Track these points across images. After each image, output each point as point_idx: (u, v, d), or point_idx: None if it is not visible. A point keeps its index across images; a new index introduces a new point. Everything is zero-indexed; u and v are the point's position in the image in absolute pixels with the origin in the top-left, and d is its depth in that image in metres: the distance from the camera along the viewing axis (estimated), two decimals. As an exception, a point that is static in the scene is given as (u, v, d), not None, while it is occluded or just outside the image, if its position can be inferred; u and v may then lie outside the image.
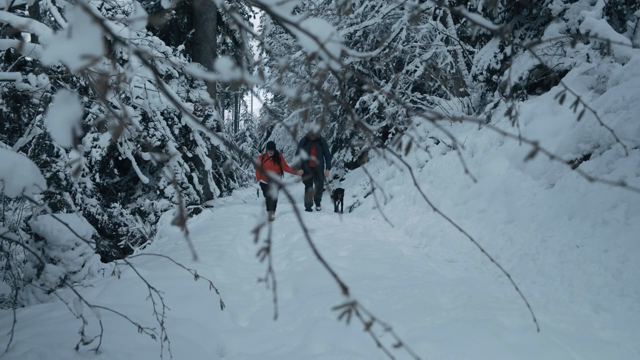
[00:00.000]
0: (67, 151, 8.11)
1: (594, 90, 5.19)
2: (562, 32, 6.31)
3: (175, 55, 9.36)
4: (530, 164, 4.89)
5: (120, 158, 9.25)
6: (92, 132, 9.64)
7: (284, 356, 2.45)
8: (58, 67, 5.58)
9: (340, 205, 9.34)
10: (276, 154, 8.70)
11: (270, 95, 32.93)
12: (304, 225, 0.67)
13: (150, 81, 6.54)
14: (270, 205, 8.28)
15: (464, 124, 7.85)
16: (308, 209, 9.48)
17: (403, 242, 5.54)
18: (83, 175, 8.87)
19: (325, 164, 9.30)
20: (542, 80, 6.63)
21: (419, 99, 9.85)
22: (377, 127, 11.75)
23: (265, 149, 8.99)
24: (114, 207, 9.56)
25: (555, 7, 6.37)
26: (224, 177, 16.50)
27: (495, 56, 7.52)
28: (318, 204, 9.73)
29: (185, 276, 2.26)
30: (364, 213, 8.63)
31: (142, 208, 10.01)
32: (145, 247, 8.94)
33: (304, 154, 0.74)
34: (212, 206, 10.90)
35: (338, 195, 9.20)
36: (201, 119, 10.70)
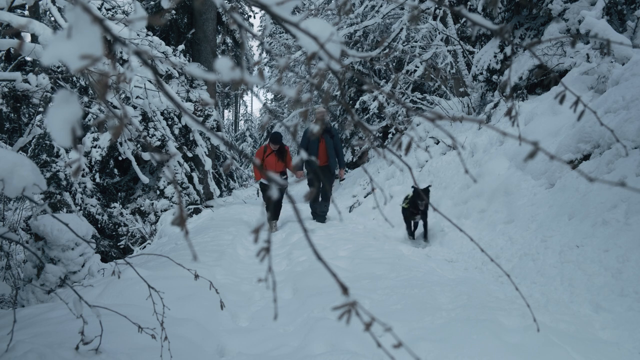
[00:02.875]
0: (67, 151, 8.11)
1: (594, 90, 5.19)
2: (562, 32, 6.32)
3: (175, 55, 9.36)
4: (530, 164, 4.89)
5: (120, 158, 9.27)
6: (92, 132, 9.65)
7: (284, 356, 2.45)
8: (58, 67, 5.58)
9: (424, 226, 5.39)
10: (281, 149, 7.13)
11: (270, 95, 32.96)
12: (304, 225, 0.67)
13: (150, 81, 6.55)
14: (271, 210, 7.03)
15: (464, 124, 7.86)
16: (318, 217, 7.45)
17: (403, 242, 5.54)
18: (83, 175, 8.87)
19: (337, 162, 7.37)
20: (542, 80, 6.64)
21: (419, 99, 9.86)
22: (377, 127, 11.75)
23: (268, 141, 7.30)
24: (114, 207, 9.57)
25: (555, 7, 6.37)
26: (224, 177, 16.50)
27: (495, 56, 7.53)
28: (323, 217, 7.49)
29: (185, 276, 2.27)
30: (364, 213, 8.63)
31: (142, 208, 10.02)
32: (145, 247, 8.95)
33: (303, 154, 0.73)
34: (212, 206, 10.90)
35: (419, 206, 5.06)
36: (201, 119, 10.70)
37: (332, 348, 2.42)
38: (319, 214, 7.46)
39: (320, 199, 7.49)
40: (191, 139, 10.34)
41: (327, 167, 7.35)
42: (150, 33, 7.44)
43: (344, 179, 7.23)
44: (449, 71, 9.88)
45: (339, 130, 15.25)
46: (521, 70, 6.74)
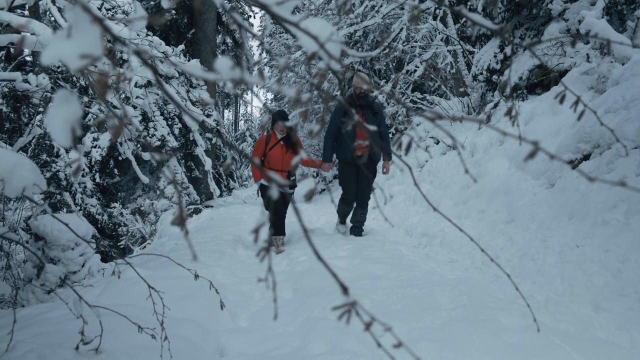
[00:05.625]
0: (67, 151, 8.12)
1: (594, 90, 5.19)
2: (562, 32, 6.32)
3: (175, 55, 9.35)
4: (530, 164, 4.89)
5: (120, 158, 9.27)
6: (92, 132, 9.66)
7: (284, 356, 2.45)
8: (58, 67, 5.58)
9: None
10: (290, 135, 5.25)
11: (270, 95, 32.92)
12: (304, 225, 0.67)
13: (150, 81, 6.55)
14: (274, 219, 5.35)
15: (464, 124, 7.86)
16: (356, 231, 5.63)
17: (403, 242, 5.53)
18: (83, 175, 8.87)
19: (382, 149, 5.30)
20: (542, 80, 6.64)
21: (419, 99, 9.85)
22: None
23: (270, 126, 5.40)
24: (114, 207, 9.58)
25: (555, 7, 6.37)
26: (224, 177, 16.50)
27: (495, 56, 7.52)
28: (360, 227, 5.66)
29: (185, 276, 2.27)
30: (364, 213, 8.61)
31: (142, 208, 10.02)
32: (145, 247, 8.95)
33: (303, 154, 0.72)
34: (212, 206, 10.90)
35: None
36: (201, 119, 10.69)
37: (332, 348, 2.42)
38: (353, 224, 5.66)
39: (355, 203, 5.58)
40: (191, 139, 10.34)
41: (369, 160, 5.28)
42: (150, 33, 7.44)
43: (388, 171, 5.24)
44: (449, 71, 9.88)
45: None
46: (521, 70, 6.74)
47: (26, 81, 4.01)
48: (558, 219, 3.86)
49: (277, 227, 5.45)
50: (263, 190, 5.58)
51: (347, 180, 5.47)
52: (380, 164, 6.11)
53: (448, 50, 9.55)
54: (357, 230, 5.64)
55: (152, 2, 12.27)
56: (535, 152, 0.69)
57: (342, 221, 5.87)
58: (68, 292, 3.12)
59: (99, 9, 9.07)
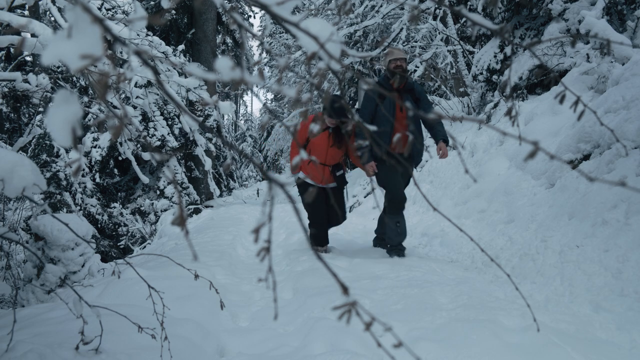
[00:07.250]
0: (67, 151, 8.12)
1: (594, 90, 5.19)
2: (562, 32, 6.32)
3: (175, 55, 9.36)
4: (530, 164, 4.89)
5: (120, 158, 9.28)
6: (92, 132, 9.66)
7: (284, 356, 2.45)
8: (58, 67, 5.58)
9: None
10: (340, 128, 4.33)
11: (270, 95, 32.94)
12: (304, 225, 0.67)
13: (150, 82, 6.55)
14: (318, 229, 4.59)
15: (464, 124, 7.86)
16: (396, 250, 4.31)
17: (403, 242, 5.53)
18: (83, 175, 8.88)
19: (436, 134, 4.15)
20: (542, 80, 6.64)
21: (419, 99, 9.84)
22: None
23: (321, 111, 3.78)
24: (114, 207, 9.58)
25: (555, 7, 6.37)
26: (224, 177, 16.51)
27: (495, 56, 7.52)
28: (400, 249, 4.33)
29: (185, 276, 2.26)
30: (364, 213, 8.62)
31: (142, 208, 10.02)
32: (145, 247, 8.95)
33: (303, 154, 0.71)
34: (212, 206, 10.90)
35: None
36: (201, 119, 10.70)
37: (332, 348, 2.42)
38: (391, 244, 4.35)
39: (394, 213, 4.27)
40: (191, 138, 10.35)
41: (408, 159, 4.04)
42: (150, 33, 7.44)
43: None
44: (449, 71, 9.88)
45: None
46: (521, 70, 6.74)
47: (26, 81, 4.01)
48: (558, 219, 3.86)
49: (318, 234, 4.50)
50: (302, 187, 4.57)
51: (391, 174, 4.13)
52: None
53: (448, 50, 9.55)
54: (398, 251, 4.31)
55: (152, 2, 12.27)
56: (535, 152, 0.69)
57: (396, 251, 4.32)
58: (68, 292, 3.12)
59: (99, 9, 9.07)
